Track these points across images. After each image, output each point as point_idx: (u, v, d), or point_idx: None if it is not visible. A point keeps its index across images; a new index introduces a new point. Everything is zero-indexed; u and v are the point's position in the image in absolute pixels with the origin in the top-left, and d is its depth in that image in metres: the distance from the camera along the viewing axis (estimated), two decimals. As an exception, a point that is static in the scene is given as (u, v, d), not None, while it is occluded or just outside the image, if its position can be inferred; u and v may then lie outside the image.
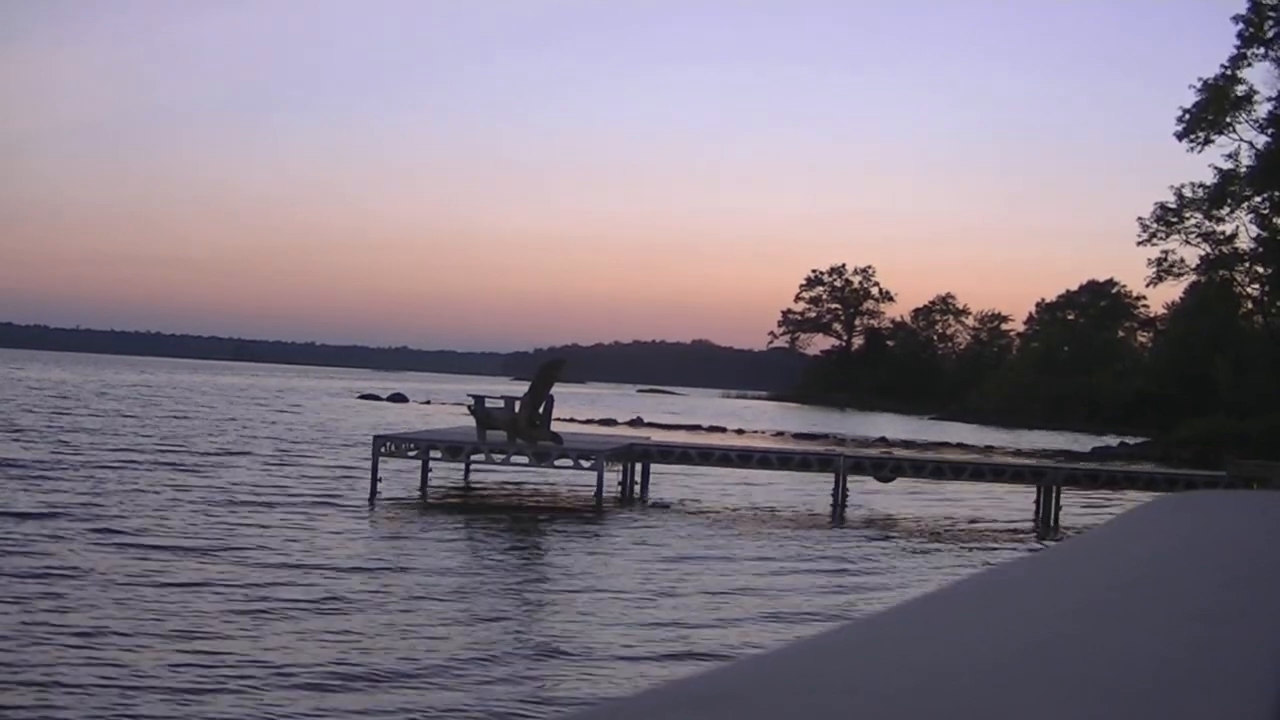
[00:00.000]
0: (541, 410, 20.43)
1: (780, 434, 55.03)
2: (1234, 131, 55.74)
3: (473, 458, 20.66)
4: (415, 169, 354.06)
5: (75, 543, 13.51)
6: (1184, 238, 60.94)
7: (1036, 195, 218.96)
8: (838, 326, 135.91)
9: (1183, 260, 61.99)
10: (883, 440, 51.59)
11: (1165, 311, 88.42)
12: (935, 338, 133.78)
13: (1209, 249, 60.72)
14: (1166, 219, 60.71)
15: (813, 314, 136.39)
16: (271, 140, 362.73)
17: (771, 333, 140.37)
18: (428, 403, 70.44)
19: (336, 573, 12.58)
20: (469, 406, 21.18)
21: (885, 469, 23.46)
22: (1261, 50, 54.01)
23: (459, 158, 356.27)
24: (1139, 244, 62.29)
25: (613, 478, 21.67)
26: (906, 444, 47.96)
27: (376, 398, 72.29)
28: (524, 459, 20.31)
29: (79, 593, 10.81)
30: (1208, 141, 56.03)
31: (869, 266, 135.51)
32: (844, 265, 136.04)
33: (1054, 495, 22.58)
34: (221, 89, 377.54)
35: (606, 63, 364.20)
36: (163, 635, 9.41)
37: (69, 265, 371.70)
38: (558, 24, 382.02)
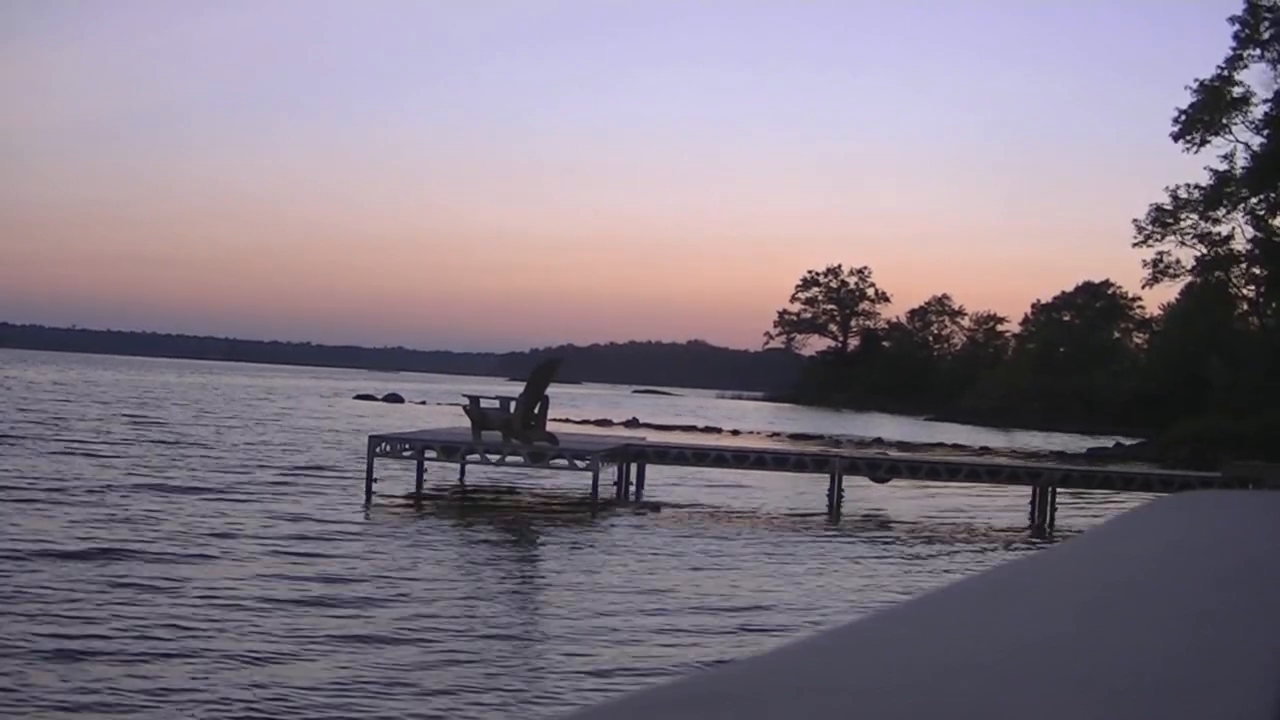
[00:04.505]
0: (537, 411, 20.42)
1: (776, 435, 55.03)
2: (1230, 133, 55.82)
3: (468, 458, 20.65)
4: (411, 169, 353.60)
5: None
6: (1180, 239, 61.01)
7: (1032, 196, 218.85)
8: (833, 327, 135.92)
9: (1178, 261, 62.09)
10: (878, 441, 51.59)
11: (1161, 312, 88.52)
12: (931, 338, 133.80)
13: (1204, 250, 60.78)
14: (1162, 220, 60.75)
15: (808, 315, 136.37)
16: (268, 140, 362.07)
17: (767, 333, 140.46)
18: (423, 403, 70.41)
19: (331, 573, 12.56)
20: (465, 407, 21.17)
21: (881, 470, 23.46)
22: (1258, 52, 54.07)
23: (455, 158, 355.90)
24: (1134, 245, 62.40)
25: (608, 478, 21.66)
26: (902, 445, 47.97)
27: (372, 398, 72.26)
28: (519, 459, 20.30)
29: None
30: (1204, 143, 56.08)
31: (865, 267, 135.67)
32: (840, 266, 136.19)
33: (1049, 496, 22.59)
34: (220, 89, 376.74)
35: (601, 63, 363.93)
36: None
37: (64, 265, 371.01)
38: (555, 25, 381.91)
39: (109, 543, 13.46)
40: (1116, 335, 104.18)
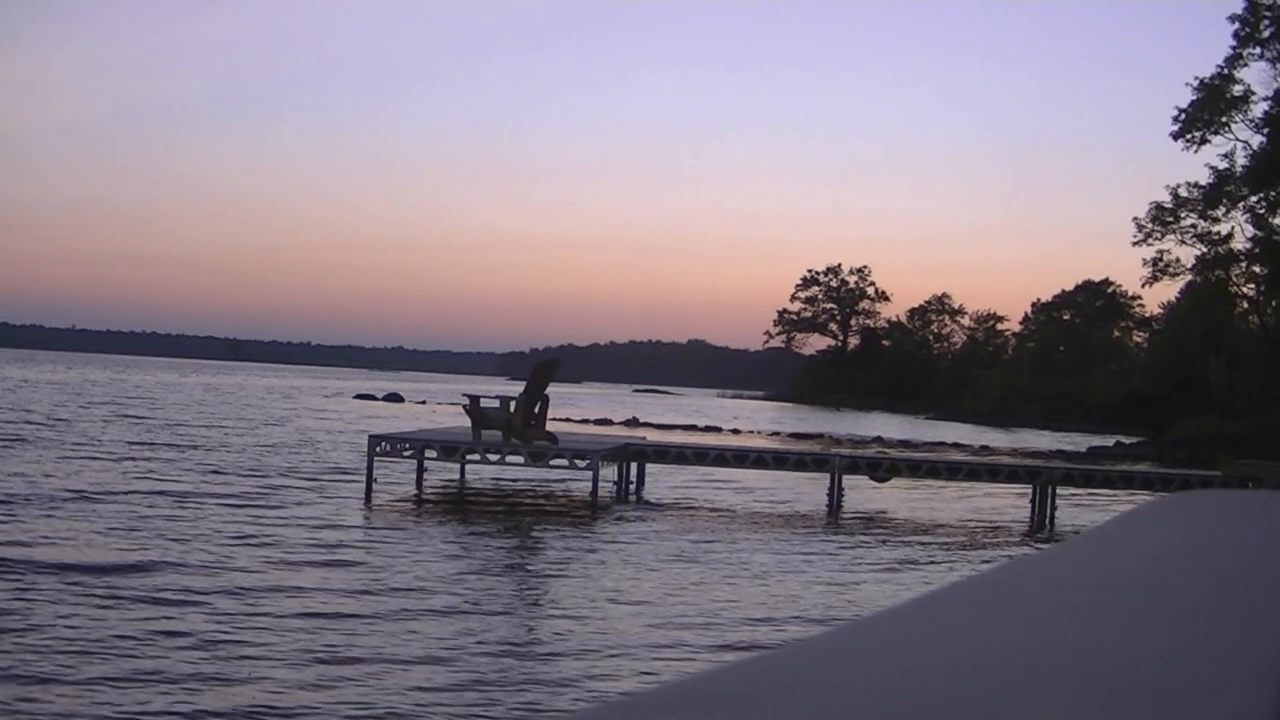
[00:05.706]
0: (537, 410, 20.41)
1: (776, 434, 55.00)
2: (1230, 131, 55.86)
3: (468, 457, 20.65)
4: (411, 168, 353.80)
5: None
6: (1179, 238, 61.08)
7: (1032, 195, 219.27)
8: (833, 326, 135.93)
9: (1178, 260, 62.18)
10: (878, 440, 51.59)
11: (1161, 311, 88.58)
12: (931, 338, 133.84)
13: (1204, 249, 60.84)
14: (1162, 219, 60.83)
15: (808, 314, 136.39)
16: (268, 139, 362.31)
17: (767, 333, 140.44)
18: (423, 402, 70.41)
19: (329, 576, 12.56)
20: (465, 406, 21.17)
21: (881, 469, 23.46)
22: (1257, 50, 54.13)
23: (455, 157, 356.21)
24: (1134, 244, 62.51)
25: (608, 478, 21.65)
26: (902, 444, 47.97)
27: (372, 397, 72.26)
28: (519, 459, 20.30)
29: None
30: (1204, 141, 56.14)
31: (864, 266, 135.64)
32: (839, 265, 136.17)
33: (1049, 495, 22.59)
34: (220, 89, 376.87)
35: (601, 62, 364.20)
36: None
37: (65, 264, 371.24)
38: (553, 24, 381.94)
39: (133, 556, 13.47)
40: (1116, 334, 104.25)
